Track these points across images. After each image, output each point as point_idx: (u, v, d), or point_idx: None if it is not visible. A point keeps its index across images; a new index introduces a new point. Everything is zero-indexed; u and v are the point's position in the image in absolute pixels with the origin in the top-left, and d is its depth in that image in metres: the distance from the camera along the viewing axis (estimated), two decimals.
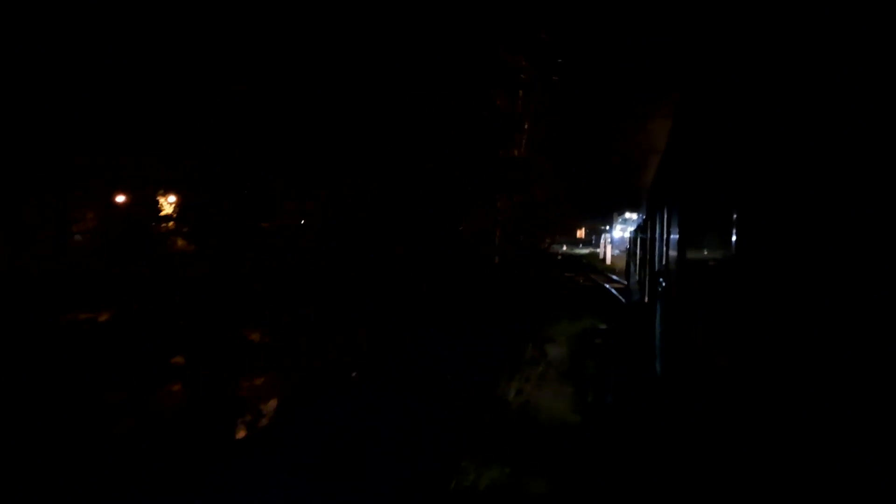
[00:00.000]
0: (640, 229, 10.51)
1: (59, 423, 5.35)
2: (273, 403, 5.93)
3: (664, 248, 4.78)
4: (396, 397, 5.84)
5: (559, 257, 37.06)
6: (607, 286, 18.04)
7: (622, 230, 37.24)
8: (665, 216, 4.70)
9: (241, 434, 5.13)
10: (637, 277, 10.72)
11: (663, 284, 4.70)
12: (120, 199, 19.82)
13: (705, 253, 2.55)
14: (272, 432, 5.14)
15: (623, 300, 13.95)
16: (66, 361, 7.70)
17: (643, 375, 5.67)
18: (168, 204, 18.94)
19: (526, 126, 17.22)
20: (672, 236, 4.02)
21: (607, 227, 39.37)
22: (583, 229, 53.43)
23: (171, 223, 18.57)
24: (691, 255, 3.02)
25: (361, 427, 4.98)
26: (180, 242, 18.37)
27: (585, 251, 45.90)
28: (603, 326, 9.85)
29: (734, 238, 1.73)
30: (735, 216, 1.74)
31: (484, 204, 16.52)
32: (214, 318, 10.69)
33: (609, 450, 4.29)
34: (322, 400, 6.00)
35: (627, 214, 35.67)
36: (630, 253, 16.26)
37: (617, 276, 22.28)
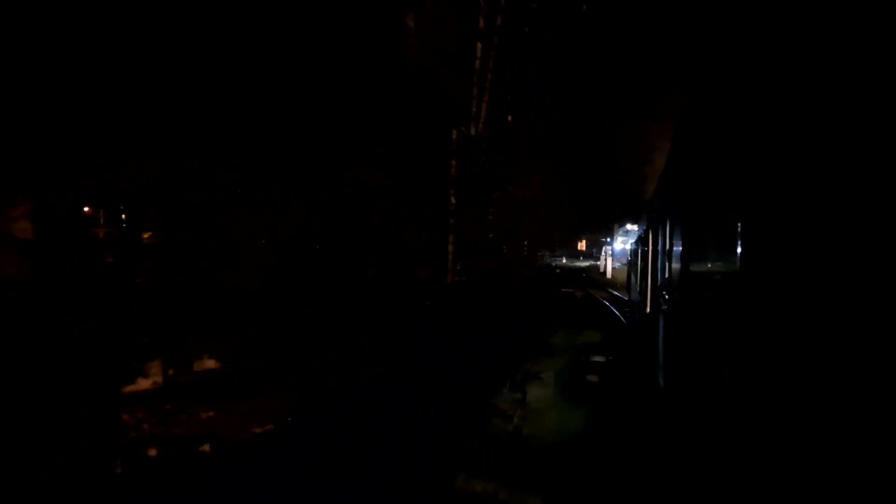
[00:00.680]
0: (641, 241, 10.14)
1: (62, 418, 5.36)
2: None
3: (666, 260, 4.73)
4: (396, 397, 5.85)
5: (558, 270, 36.76)
6: (606, 303, 16.97)
7: (623, 242, 37.10)
8: (668, 226, 4.65)
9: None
10: (638, 289, 10.12)
11: (666, 297, 4.65)
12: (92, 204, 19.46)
13: (710, 266, 2.50)
14: (272, 432, 5.14)
15: (623, 320, 12.98)
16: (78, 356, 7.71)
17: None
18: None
19: (488, 88, 13.10)
20: (675, 248, 3.98)
21: (608, 239, 39.20)
22: (584, 241, 53.47)
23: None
24: (695, 267, 2.96)
25: (361, 427, 4.99)
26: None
27: (586, 264, 45.35)
28: (600, 359, 7.81)
29: (741, 249, 1.68)
30: (742, 226, 1.69)
31: (429, 201, 13.19)
32: (215, 317, 10.69)
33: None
34: (322, 400, 6.01)
35: (629, 226, 35.53)
36: (631, 264, 15.34)
37: (618, 290, 21.44)
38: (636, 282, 11.19)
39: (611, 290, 21.84)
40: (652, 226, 6.61)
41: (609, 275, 32.34)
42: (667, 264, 4.64)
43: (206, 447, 4.79)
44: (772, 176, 1.47)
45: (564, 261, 48.09)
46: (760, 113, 1.59)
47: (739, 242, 1.71)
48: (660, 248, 5.55)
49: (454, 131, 13.32)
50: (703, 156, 2.57)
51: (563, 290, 22.51)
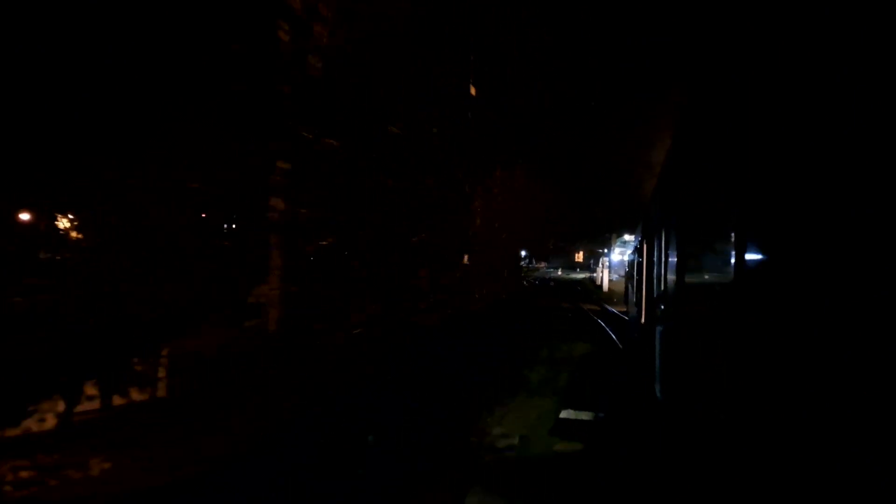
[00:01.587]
0: (638, 251, 9.67)
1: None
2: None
3: (663, 271, 4.69)
4: (396, 397, 5.88)
5: (552, 283, 36.39)
6: (601, 322, 14.94)
7: (621, 253, 36.79)
8: (664, 235, 4.56)
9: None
10: (634, 301, 9.24)
11: (662, 309, 4.62)
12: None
13: (708, 276, 2.47)
14: (272, 432, 5.18)
15: (620, 345, 11.02)
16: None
17: None
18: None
19: None
20: (672, 258, 3.95)
21: (605, 250, 39.03)
22: (581, 252, 53.50)
23: None
24: (692, 278, 2.93)
25: (361, 427, 5.03)
26: None
27: (582, 276, 44.61)
28: (586, 418, 5.52)
29: (740, 257, 1.64)
30: (742, 234, 1.66)
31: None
32: (214, 317, 10.69)
33: None
34: (322, 400, 6.04)
35: (627, 236, 35.20)
36: (628, 277, 14.10)
37: (614, 306, 20.22)
38: (633, 293, 10.47)
39: (605, 306, 20.80)
40: (648, 235, 6.51)
41: (605, 287, 31.62)
42: (663, 275, 4.55)
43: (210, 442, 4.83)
44: (773, 181, 1.44)
45: (560, 272, 47.91)
46: (761, 116, 1.55)
47: (738, 251, 1.67)
48: (656, 258, 5.40)
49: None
50: (702, 160, 2.50)
51: (554, 304, 21.67)
